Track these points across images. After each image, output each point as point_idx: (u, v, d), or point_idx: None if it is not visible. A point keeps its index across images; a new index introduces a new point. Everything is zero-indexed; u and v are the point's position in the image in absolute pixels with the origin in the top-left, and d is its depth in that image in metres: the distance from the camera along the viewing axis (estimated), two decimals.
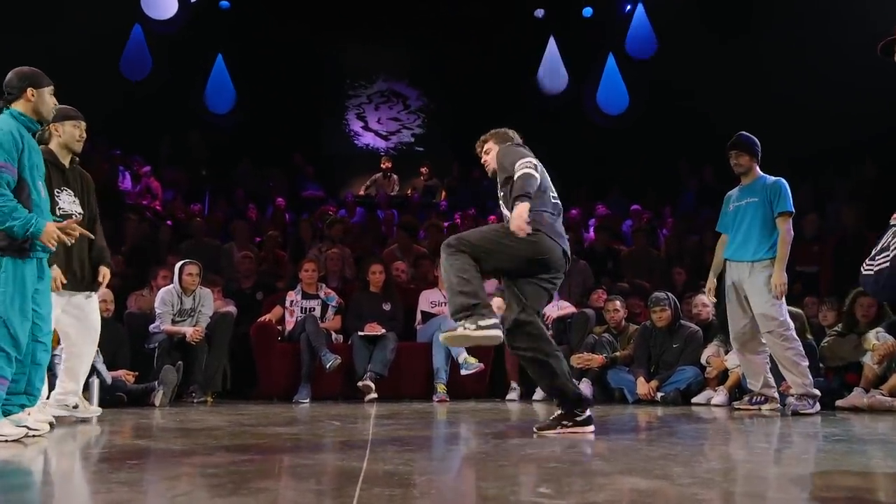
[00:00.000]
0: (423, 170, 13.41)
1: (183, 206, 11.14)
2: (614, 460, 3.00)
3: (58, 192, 4.48)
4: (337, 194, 13.30)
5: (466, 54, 14.05)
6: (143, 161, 11.84)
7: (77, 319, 4.63)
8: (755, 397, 5.38)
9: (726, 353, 6.14)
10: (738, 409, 5.48)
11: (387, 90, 15.20)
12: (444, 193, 13.11)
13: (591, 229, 10.72)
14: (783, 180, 5.25)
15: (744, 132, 5.43)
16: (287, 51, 13.76)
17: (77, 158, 4.65)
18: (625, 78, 13.10)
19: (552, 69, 12.99)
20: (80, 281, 4.60)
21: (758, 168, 5.38)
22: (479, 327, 3.61)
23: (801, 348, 5.14)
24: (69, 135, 4.52)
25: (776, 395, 5.38)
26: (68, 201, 4.53)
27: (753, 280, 5.16)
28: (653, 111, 12.73)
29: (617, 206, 11.83)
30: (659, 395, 6.12)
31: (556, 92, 12.96)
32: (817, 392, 5.11)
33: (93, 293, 4.70)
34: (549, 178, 4.06)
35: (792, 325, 5.16)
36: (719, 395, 5.94)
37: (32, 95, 3.82)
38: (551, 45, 13.05)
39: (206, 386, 6.51)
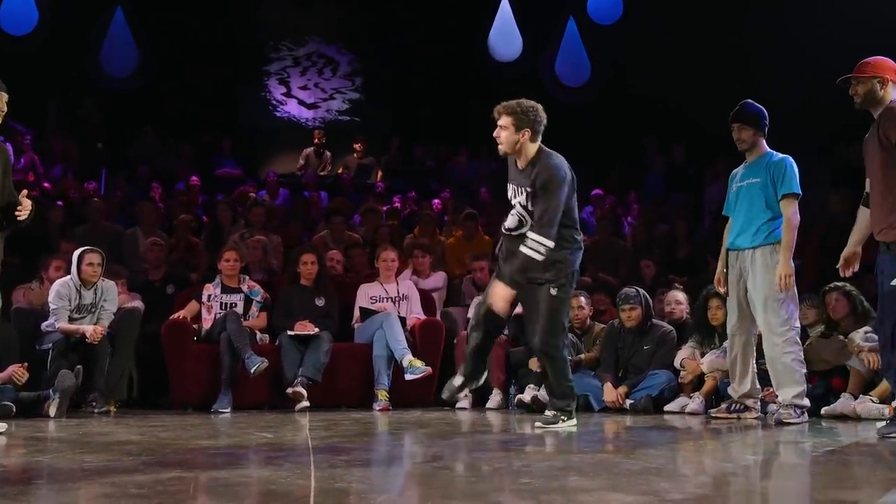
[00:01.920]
0: (357, 146, 13.37)
1: (76, 184, 10.89)
2: (592, 475, 3.06)
3: None
4: (256, 173, 13.17)
5: (408, 14, 14.04)
6: (23, 129, 11.50)
7: None
8: (734, 405, 5.53)
9: (702, 355, 6.30)
10: (716, 417, 5.63)
11: (315, 53, 15.08)
12: (380, 173, 13.10)
13: None
14: (790, 158, 5.25)
15: (749, 101, 5.40)
16: (199, 3, 13.52)
17: None
18: (587, 45, 13.26)
19: (505, 33, 13.07)
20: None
21: (764, 143, 5.37)
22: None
23: (802, 354, 5.26)
24: None
25: (758, 403, 5.53)
26: None
27: (755, 269, 5.22)
28: (617, 83, 12.91)
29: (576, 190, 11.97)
30: (628, 402, 6.23)
31: (508, 59, 13.05)
32: (807, 403, 5.27)
33: None
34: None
35: (798, 325, 5.26)
36: (694, 402, 6.08)
37: None
38: (504, 5, 13.13)
39: (108, 393, 6.38)
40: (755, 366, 5.49)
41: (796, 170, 5.24)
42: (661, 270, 8.61)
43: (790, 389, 5.19)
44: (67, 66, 12.47)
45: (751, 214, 5.29)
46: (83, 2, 12.63)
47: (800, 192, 5.21)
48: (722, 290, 5.49)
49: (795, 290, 5.24)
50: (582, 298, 6.87)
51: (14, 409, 5.75)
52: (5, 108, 4.58)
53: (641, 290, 6.62)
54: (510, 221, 4.92)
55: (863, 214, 4.68)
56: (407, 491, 2.90)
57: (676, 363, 6.36)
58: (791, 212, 5.16)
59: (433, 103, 13.70)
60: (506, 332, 7.00)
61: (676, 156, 12.36)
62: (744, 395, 5.49)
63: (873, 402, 5.53)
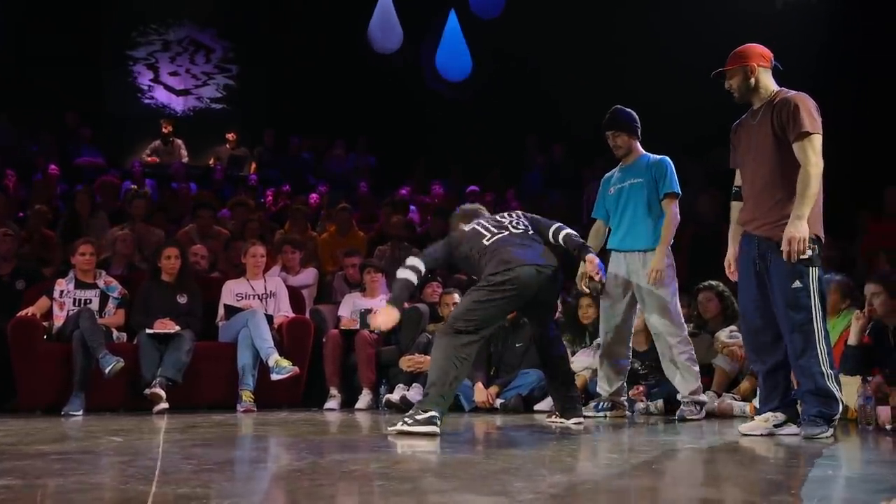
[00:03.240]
0: (230, 136, 13.16)
1: None
2: (449, 476, 3.08)
3: None
4: (121, 162, 12.80)
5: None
6: None
7: None
8: (602, 403, 5.66)
9: (573, 353, 6.43)
10: (584, 416, 5.76)
11: (185, 38, 14.75)
12: (253, 165, 12.93)
13: (414, 211, 10.84)
14: (667, 159, 5.47)
15: (619, 107, 5.57)
16: None
17: None
18: (468, 40, 13.34)
19: (385, 23, 13.02)
20: None
21: (639, 146, 5.57)
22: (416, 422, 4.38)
23: (694, 352, 5.47)
24: None
25: (625, 401, 5.69)
26: None
27: (645, 272, 5.37)
28: (498, 80, 13.07)
29: (454, 187, 12.08)
30: (499, 401, 6.31)
31: (388, 50, 13.00)
32: (706, 399, 5.53)
33: None
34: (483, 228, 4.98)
35: (685, 325, 5.48)
36: None
37: None
38: None
39: None
40: (629, 365, 5.65)
41: (674, 170, 5.44)
42: None
43: (688, 386, 5.41)
44: None
45: (636, 216, 5.46)
46: None
47: (680, 191, 5.41)
48: (583, 288, 5.58)
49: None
50: (455, 295, 6.91)
51: None
52: None
53: None
54: None
55: (737, 209, 4.73)
56: (249, 495, 2.84)
57: None
58: (674, 211, 5.39)
59: (310, 93, 13.58)
60: (376, 330, 7.00)
61: (556, 154, 12.60)
62: (613, 394, 5.64)
63: (735, 399, 5.76)
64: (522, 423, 5.51)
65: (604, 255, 5.59)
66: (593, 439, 4.60)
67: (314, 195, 11.48)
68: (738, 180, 4.72)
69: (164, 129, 12.90)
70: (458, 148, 13.26)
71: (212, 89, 14.80)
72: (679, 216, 5.43)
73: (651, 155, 5.54)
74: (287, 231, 8.98)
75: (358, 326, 7.01)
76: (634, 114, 5.59)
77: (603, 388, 5.68)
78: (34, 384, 6.44)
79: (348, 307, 7.31)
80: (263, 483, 3.13)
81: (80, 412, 6.13)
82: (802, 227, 4.22)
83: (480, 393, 6.37)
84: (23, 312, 6.52)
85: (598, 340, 6.27)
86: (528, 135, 13.16)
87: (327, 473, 3.16)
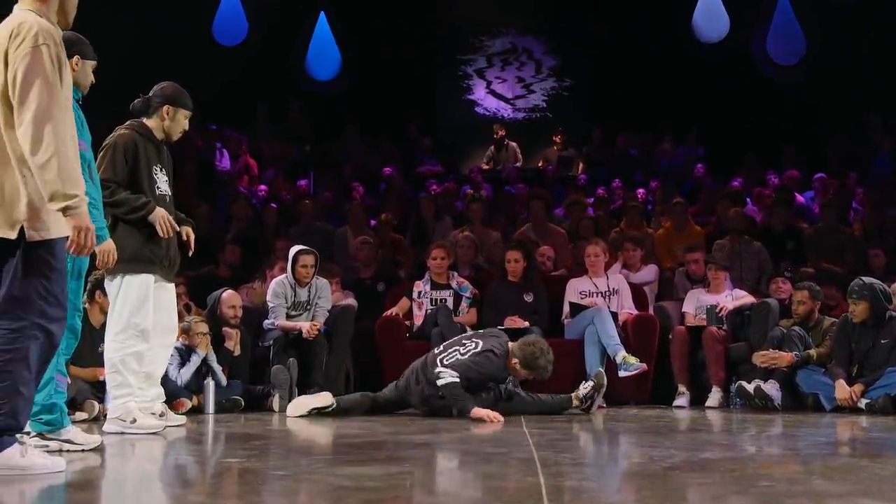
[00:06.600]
0: (557, 138, 13.32)
1: (287, 186, 11.44)
2: (838, 479, 2.92)
3: (156, 171, 4.73)
4: (457, 169, 13.37)
5: None
6: (237, 135, 12.16)
7: (163, 312, 4.79)
8: None
9: None
10: None
11: (511, 47, 15.16)
12: (581, 165, 13.00)
13: (749, 202, 10.36)
14: None
15: None
16: (398, 4, 13.89)
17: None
18: (800, 18, 12.60)
19: (710, 11, 12.64)
20: (172, 269, 4.83)
21: None
22: None
23: None
24: (177, 124, 4.78)
25: None
26: (163, 181, 4.78)
27: None
28: (835, 58, 12.21)
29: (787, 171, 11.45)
30: (864, 401, 5.90)
31: (715, 39, 12.61)
32: None
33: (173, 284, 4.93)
34: None
35: None
36: None
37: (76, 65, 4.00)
38: None
39: (327, 388, 6.66)
40: None
41: None
42: (894, 259, 8.10)
43: None
44: (275, 73, 13.09)
45: None
46: (288, 10, 13.23)
47: None
48: None
49: None
50: (806, 292, 6.54)
51: (243, 403, 6.14)
52: (187, 126, 4.85)
53: (870, 280, 6.20)
54: None
55: None
56: (641, 491, 2.86)
57: None
58: None
59: (635, 90, 13.42)
60: (724, 327, 6.81)
61: None
62: None
63: None
64: (894, 424, 5.12)
65: None
66: None
67: (641, 190, 11.34)
68: None
69: (496, 135, 13.25)
70: (793, 133, 12.52)
71: (539, 95, 15.06)
72: None
73: None
74: (623, 229, 8.95)
75: (705, 323, 6.85)
76: None
77: None
78: (399, 378, 6.88)
79: (692, 303, 7.15)
80: (646, 480, 3.12)
81: None
82: None
83: (842, 389, 5.95)
84: (388, 312, 7.02)
85: None
86: (869, 114, 12.17)
87: (706, 471, 3.11)
